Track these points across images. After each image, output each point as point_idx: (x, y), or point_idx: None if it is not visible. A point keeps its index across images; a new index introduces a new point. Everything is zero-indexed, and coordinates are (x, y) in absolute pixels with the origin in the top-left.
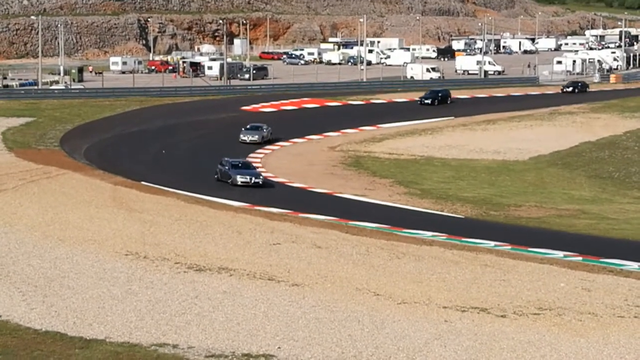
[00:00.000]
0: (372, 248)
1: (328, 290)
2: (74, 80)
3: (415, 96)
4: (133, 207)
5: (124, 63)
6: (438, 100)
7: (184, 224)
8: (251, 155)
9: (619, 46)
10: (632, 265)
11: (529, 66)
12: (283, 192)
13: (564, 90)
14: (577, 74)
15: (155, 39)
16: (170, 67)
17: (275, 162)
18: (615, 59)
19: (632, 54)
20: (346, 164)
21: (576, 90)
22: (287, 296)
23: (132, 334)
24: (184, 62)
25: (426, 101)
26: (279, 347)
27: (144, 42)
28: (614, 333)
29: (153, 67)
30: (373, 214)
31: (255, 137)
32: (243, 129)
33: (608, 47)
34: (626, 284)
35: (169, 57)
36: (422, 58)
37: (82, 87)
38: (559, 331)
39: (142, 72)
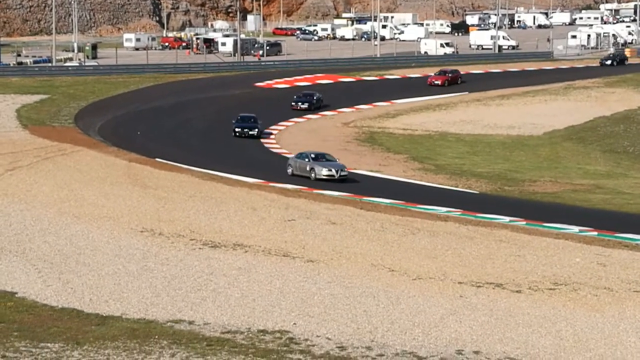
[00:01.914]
0: (387, 224)
1: (343, 266)
2: (87, 57)
3: (430, 71)
4: (148, 183)
5: (138, 40)
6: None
7: (199, 201)
8: (265, 131)
9: (634, 20)
10: None
11: (548, 40)
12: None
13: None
14: (592, 48)
15: (168, 15)
16: (184, 44)
17: (289, 138)
18: (630, 33)
19: None
20: (360, 140)
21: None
22: (302, 272)
23: (148, 310)
24: (197, 38)
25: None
26: (295, 323)
27: (158, 18)
28: (630, 308)
29: (167, 44)
30: (388, 189)
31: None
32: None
33: (623, 21)
34: None
35: (182, 34)
36: (436, 33)
37: (96, 64)
38: (574, 306)
39: (155, 49)
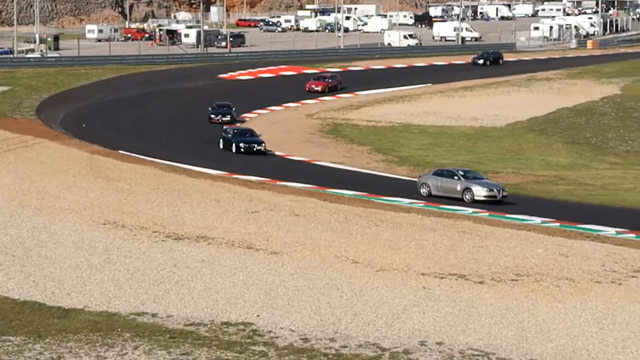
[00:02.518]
0: (350, 215)
1: (306, 258)
2: (49, 49)
3: (393, 63)
4: (110, 176)
5: (100, 31)
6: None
7: (162, 193)
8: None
9: (596, 12)
10: (609, 230)
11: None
12: (261, 160)
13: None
14: (554, 40)
15: (131, 6)
16: (147, 35)
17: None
18: (592, 25)
19: (608, 20)
20: (324, 132)
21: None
22: (266, 264)
23: (110, 303)
24: (160, 30)
25: (316, 88)
26: (258, 315)
27: (120, 9)
28: (591, 298)
29: (129, 35)
30: (351, 181)
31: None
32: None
33: (585, 13)
34: (603, 250)
35: (145, 25)
36: (400, 25)
37: (58, 55)
38: (536, 297)
39: (118, 40)
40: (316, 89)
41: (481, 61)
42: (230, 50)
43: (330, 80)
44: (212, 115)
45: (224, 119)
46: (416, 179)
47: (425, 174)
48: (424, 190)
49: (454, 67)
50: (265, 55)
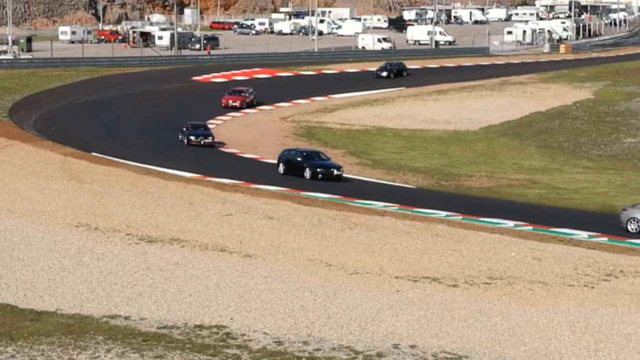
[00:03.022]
0: (324, 219)
1: (280, 261)
2: (22, 50)
3: (368, 66)
4: (83, 178)
5: (73, 33)
6: (245, 103)
7: (135, 195)
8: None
9: (569, 16)
10: (581, 234)
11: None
12: (235, 162)
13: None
14: (528, 44)
15: (104, 8)
16: (120, 37)
17: (227, 132)
18: (565, 29)
19: (581, 24)
20: (298, 135)
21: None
22: (240, 267)
23: (83, 305)
24: (133, 32)
25: (233, 104)
26: (232, 318)
27: (93, 11)
28: (564, 302)
29: (102, 37)
30: (325, 184)
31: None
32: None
33: (558, 17)
34: (576, 253)
35: (118, 27)
36: (374, 28)
37: (30, 57)
38: (509, 300)
39: (91, 42)
40: (234, 104)
41: (384, 73)
42: (209, 52)
43: (247, 95)
44: (192, 137)
45: (205, 141)
46: (621, 212)
47: (632, 207)
48: (633, 226)
49: (427, 70)
50: (239, 57)
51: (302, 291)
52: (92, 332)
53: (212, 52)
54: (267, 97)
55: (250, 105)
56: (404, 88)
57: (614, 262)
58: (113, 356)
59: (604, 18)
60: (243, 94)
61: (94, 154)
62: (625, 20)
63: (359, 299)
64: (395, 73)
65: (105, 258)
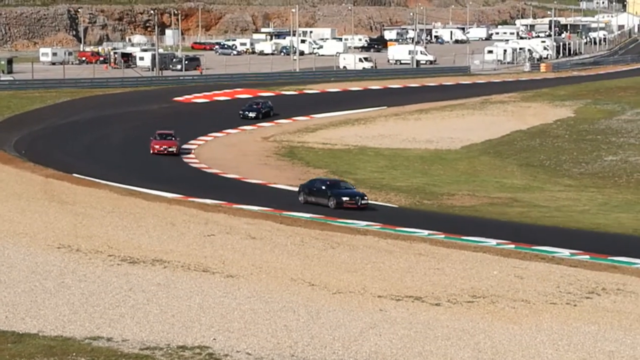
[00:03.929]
0: (307, 238)
1: (263, 281)
2: (3, 72)
3: (349, 86)
4: (65, 199)
5: (54, 54)
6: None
7: (117, 216)
8: (184, 146)
9: (549, 35)
10: (563, 252)
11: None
12: (217, 183)
13: (244, 115)
14: (508, 63)
15: (85, 29)
16: (101, 58)
17: (208, 152)
18: (545, 48)
19: (561, 43)
20: (280, 155)
21: (260, 116)
22: (222, 287)
23: (65, 327)
24: (115, 53)
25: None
26: (214, 339)
27: (75, 33)
28: (547, 320)
29: (84, 58)
30: (307, 204)
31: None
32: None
33: (538, 37)
34: (558, 271)
35: (99, 48)
36: (355, 48)
37: (11, 78)
38: (492, 319)
39: (72, 64)
40: (170, 149)
41: (252, 114)
42: (202, 72)
43: (174, 139)
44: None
45: (169, 149)
46: None
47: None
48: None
49: (409, 90)
50: (220, 78)
51: (285, 311)
52: (74, 354)
53: (193, 72)
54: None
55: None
56: (385, 107)
57: (596, 280)
58: None
59: (584, 37)
60: (169, 138)
61: (75, 175)
62: (605, 39)
63: (342, 318)
64: (264, 114)
65: (87, 279)
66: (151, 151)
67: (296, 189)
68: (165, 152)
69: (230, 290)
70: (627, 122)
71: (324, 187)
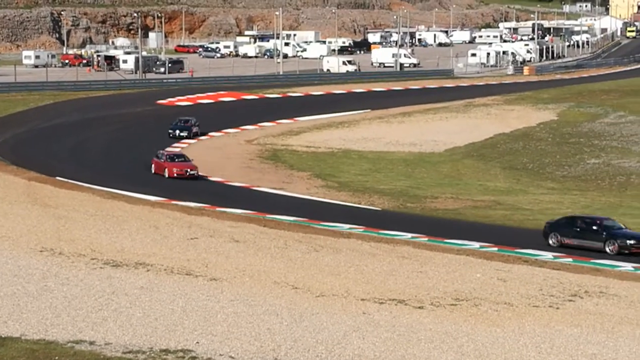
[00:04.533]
0: (290, 241)
1: (246, 285)
2: None
3: (332, 89)
4: (48, 202)
5: (37, 57)
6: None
7: (100, 220)
8: (167, 149)
9: (532, 38)
10: (546, 255)
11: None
12: (200, 185)
13: (173, 134)
14: (492, 66)
15: (68, 32)
16: (85, 61)
17: (192, 155)
18: (528, 51)
19: (544, 46)
20: (263, 157)
21: (191, 135)
22: (205, 291)
23: (48, 331)
24: (98, 55)
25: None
26: (198, 342)
27: (57, 35)
28: (529, 323)
29: (67, 61)
30: (291, 207)
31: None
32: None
33: (521, 40)
34: (541, 274)
35: (82, 51)
36: (338, 51)
37: None
38: (475, 321)
39: (55, 66)
40: (192, 172)
41: (184, 133)
42: (192, 75)
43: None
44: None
45: (181, 134)
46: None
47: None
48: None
49: (392, 93)
50: (204, 81)
51: (268, 314)
52: (57, 358)
53: (177, 75)
54: (232, 120)
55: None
56: (369, 110)
57: (579, 283)
58: None
59: (567, 40)
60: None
61: (58, 178)
62: (588, 42)
63: (325, 321)
64: (194, 133)
65: (70, 283)
66: (167, 174)
67: (280, 191)
68: (187, 174)
69: (213, 294)
70: (610, 125)
71: (595, 227)
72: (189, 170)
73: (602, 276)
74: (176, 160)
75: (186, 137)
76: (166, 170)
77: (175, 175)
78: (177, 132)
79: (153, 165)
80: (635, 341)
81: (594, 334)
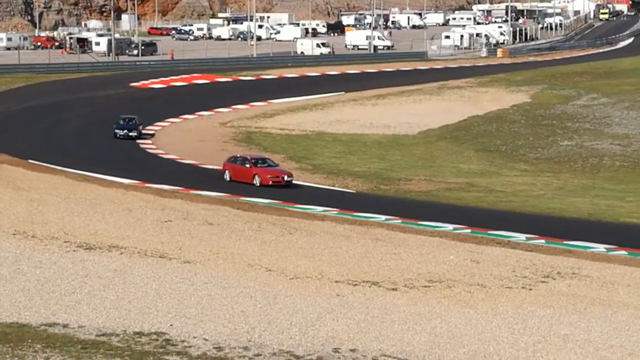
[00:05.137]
0: (264, 224)
1: (220, 267)
2: None
3: (306, 72)
4: (20, 185)
5: (9, 39)
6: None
7: (73, 202)
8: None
9: (506, 21)
10: (519, 236)
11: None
12: (174, 168)
13: (125, 135)
14: (465, 48)
15: (40, 14)
16: (57, 44)
17: (165, 138)
18: (502, 34)
19: (518, 29)
20: (237, 140)
21: (135, 134)
22: (179, 273)
23: (20, 314)
24: (70, 38)
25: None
26: (171, 325)
27: (30, 18)
28: (502, 304)
29: (39, 44)
30: (264, 189)
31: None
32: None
33: (495, 22)
34: (514, 256)
35: (55, 33)
36: (312, 33)
37: None
38: (448, 303)
39: (27, 49)
40: (288, 179)
41: (134, 133)
42: (172, 57)
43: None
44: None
45: (286, 179)
46: None
47: None
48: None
49: (366, 75)
50: (177, 63)
51: (242, 297)
52: (29, 341)
53: (150, 57)
54: (206, 102)
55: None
56: (343, 93)
57: (552, 264)
58: None
59: (540, 22)
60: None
61: (30, 161)
62: (561, 25)
63: (299, 303)
64: (134, 135)
65: (43, 266)
66: (259, 182)
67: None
68: (283, 182)
69: (187, 276)
70: (583, 107)
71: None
72: (285, 177)
73: (574, 257)
74: (260, 164)
75: (136, 138)
76: (257, 177)
77: (270, 183)
78: (126, 131)
79: (228, 172)
80: (606, 322)
81: (567, 315)
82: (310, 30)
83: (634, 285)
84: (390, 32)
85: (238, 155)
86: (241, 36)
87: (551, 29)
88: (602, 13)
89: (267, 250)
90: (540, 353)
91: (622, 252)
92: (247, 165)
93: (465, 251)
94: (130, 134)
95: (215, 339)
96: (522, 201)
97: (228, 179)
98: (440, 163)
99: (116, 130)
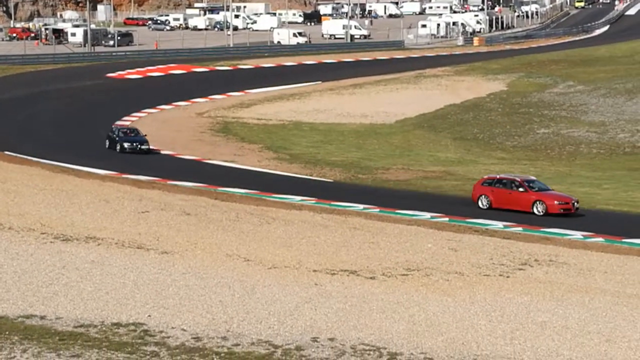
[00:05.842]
0: (242, 214)
1: (198, 257)
2: None
3: (283, 61)
4: None
5: None
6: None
7: (50, 194)
8: (117, 122)
9: (482, 9)
10: (496, 224)
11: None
12: (151, 159)
13: (132, 148)
14: (442, 37)
15: (16, 5)
16: (32, 35)
17: (142, 129)
18: (478, 22)
19: (494, 17)
20: (214, 130)
21: (146, 148)
22: (157, 264)
23: None
24: (46, 29)
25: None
26: (149, 315)
27: (4, 8)
28: (480, 292)
29: (14, 35)
30: (242, 179)
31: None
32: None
33: (471, 10)
34: (491, 243)
35: (30, 24)
36: (289, 23)
37: None
38: (426, 291)
39: (2, 40)
40: None
41: (145, 147)
42: (157, 47)
43: None
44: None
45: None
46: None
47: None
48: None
49: (343, 64)
50: (154, 54)
51: (220, 287)
52: (7, 333)
53: (126, 48)
54: (183, 93)
55: None
56: (320, 82)
57: (529, 252)
58: (29, 356)
59: (516, 10)
60: None
61: (7, 152)
62: (537, 13)
63: (277, 293)
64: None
65: (20, 257)
66: (543, 210)
67: (231, 164)
68: (573, 209)
69: (165, 267)
70: (559, 95)
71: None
72: (575, 202)
73: (551, 244)
74: (540, 189)
75: (147, 152)
76: (540, 204)
77: (561, 211)
78: (138, 145)
79: (486, 197)
80: (584, 308)
81: (544, 302)
82: (286, 23)
83: (610, 272)
84: (372, 21)
85: (498, 177)
86: (218, 26)
87: (527, 17)
88: (578, 1)
89: (245, 240)
90: (518, 340)
91: (599, 239)
92: (521, 190)
93: (443, 239)
94: (142, 147)
95: (193, 329)
96: None
97: (485, 207)
98: (417, 152)
99: (123, 144)
